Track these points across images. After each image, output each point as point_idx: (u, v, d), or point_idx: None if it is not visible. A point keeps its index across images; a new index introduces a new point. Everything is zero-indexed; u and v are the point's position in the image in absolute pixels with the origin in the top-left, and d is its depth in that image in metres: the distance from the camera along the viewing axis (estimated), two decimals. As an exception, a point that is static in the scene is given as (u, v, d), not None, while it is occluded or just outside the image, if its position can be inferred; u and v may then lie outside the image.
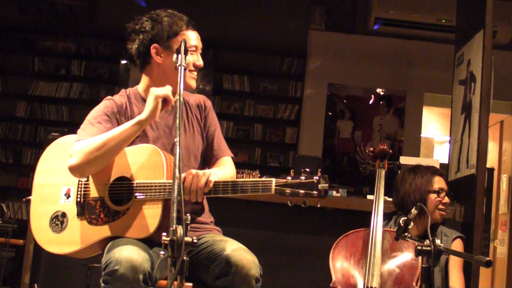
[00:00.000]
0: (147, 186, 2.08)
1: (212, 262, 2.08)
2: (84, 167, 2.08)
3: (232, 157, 2.40)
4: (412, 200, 2.79)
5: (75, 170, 2.09)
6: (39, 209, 2.20)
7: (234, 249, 2.06)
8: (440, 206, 2.77)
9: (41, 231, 2.18)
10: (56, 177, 2.21)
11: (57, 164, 2.23)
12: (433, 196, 2.77)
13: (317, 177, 2.00)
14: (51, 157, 2.26)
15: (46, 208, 2.19)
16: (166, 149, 2.18)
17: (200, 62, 2.27)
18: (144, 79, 2.31)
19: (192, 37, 2.25)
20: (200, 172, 2.05)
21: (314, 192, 1.99)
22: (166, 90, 2.10)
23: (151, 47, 2.22)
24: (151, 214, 2.07)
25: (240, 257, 2.03)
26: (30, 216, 2.21)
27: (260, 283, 2.04)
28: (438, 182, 2.80)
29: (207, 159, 2.36)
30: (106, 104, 2.25)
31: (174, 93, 2.24)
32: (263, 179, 2.05)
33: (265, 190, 2.03)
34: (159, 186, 2.05)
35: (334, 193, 3.60)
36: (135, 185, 2.10)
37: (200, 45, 2.28)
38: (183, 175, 2.05)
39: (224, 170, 2.27)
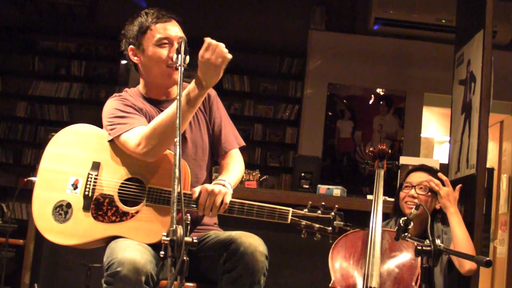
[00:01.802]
0: (160, 193, 2.08)
1: (218, 249, 2.08)
2: (158, 149, 2.05)
3: (242, 146, 2.39)
4: (395, 203, 2.90)
5: (149, 154, 2.05)
6: (43, 194, 2.15)
7: (239, 233, 2.09)
8: (406, 199, 2.79)
9: (42, 217, 2.13)
10: (64, 164, 2.16)
11: (67, 151, 2.18)
12: (402, 191, 2.83)
13: (333, 213, 2.08)
14: (63, 143, 2.21)
15: (50, 195, 2.14)
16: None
17: (173, 54, 2.11)
18: (141, 79, 2.33)
19: (161, 30, 2.18)
20: (216, 189, 2.04)
21: (329, 228, 2.08)
22: (220, 53, 1.99)
23: (128, 49, 2.25)
24: (161, 221, 2.07)
25: (246, 236, 2.06)
26: (32, 199, 2.16)
27: (268, 262, 2.05)
28: (411, 177, 2.84)
29: (216, 152, 2.35)
30: (119, 99, 2.24)
31: (165, 88, 2.27)
32: (280, 207, 2.10)
33: (281, 218, 2.09)
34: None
35: (334, 192, 3.60)
36: (147, 189, 2.10)
37: (175, 35, 2.18)
38: (198, 188, 2.07)
39: (234, 172, 2.25)
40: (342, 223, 2.08)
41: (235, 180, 2.21)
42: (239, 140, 2.39)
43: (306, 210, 2.10)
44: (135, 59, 2.25)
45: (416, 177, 2.82)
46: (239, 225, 2.30)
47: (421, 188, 2.79)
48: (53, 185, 2.15)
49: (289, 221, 2.08)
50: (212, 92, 2.35)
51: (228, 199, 2.06)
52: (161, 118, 2.05)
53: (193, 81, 2.04)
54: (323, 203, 2.12)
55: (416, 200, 2.75)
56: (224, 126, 2.36)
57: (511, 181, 6.47)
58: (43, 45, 6.86)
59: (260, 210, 2.09)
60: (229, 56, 1.99)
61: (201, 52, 2.00)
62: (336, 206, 2.12)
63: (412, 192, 2.78)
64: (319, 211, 2.09)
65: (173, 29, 2.20)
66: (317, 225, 2.07)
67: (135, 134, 2.08)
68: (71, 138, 2.21)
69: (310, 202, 2.13)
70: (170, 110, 2.05)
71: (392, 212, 2.91)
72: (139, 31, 2.21)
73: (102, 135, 2.19)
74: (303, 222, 2.08)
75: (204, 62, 1.99)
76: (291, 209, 2.09)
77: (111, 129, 2.15)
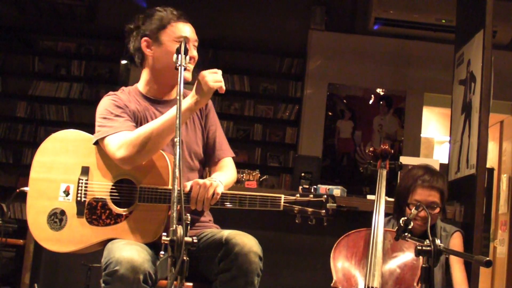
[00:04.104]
0: (152, 192, 2.08)
1: (214, 249, 2.08)
2: (137, 157, 2.05)
3: (233, 157, 2.40)
4: (396, 202, 2.80)
5: (127, 161, 2.05)
6: (36, 204, 2.16)
7: (234, 232, 2.09)
8: (417, 221, 2.64)
9: (38, 227, 2.14)
10: (54, 172, 2.18)
11: (55, 158, 2.19)
12: (410, 208, 2.68)
13: (325, 196, 2.08)
14: (50, 150, 2.22)
15: (43, 204, 2.15)
16: (168, 146, 2.17)
17: (192, 54, 2.22)
18: (143, 75, 2.32)
19: (182, 29, 2.22)
20: (208, 182, 2.05)
21: (322, 211, 2.06)
22: (218, 79, 2.06)
23: (142, 40, 2.24)
24: (155, 220, 2.07)
25: (241, 237, 2.06)
26: (26, 210, 2.17)
27: (262, 262, 2.04)
28: (419, 194, 2.67)
29: (208, 160, 2.36)
30: (113, 99, 2.23)
31: (169, 87, 2.28)
32: (272, 194, 2.10)
33: (273, 206, 2.08)
34: (164, 192, 2.06)
35: (334, 192, 3.60)
36: (139, 189, 2.10)
37: (193, 37, 2.25)
38: (190, 183, 2.08)
39: (226, 174, 2.27)
40: (334, 204, 2.07)
41: (227, 181, 2.21)
42: (231, 151, 2.41)
43: (298, 195, 2.09)
44: (148, 50, 2.24)
45: (425, 196, 2.67)
46: (237, 224, 2.30)
47: (432, 208, 2.67)
48: (45, 193, 2.16)
49: (281, 207, 2.08)
50: (210, 101, 2.36)
51: (220, 190, 2.06)
52: (146, 127, 2.07)
53: (189, 94, 2.08)
54: (314, 187, 2.12)
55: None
56: (218, 135, 2.38)
57: (511, 181, 6.47)
58: (43, 45, 6.86)
59: (252, 200, 2.08)
60: (224, 87, 2.07)
61: (204, 72, 2.05)
62: (327, 189, 2.12)
63: (423, 214, 2.60)
64: (311, 195, 2.09)
65: (192, 31, 2.26)
66: (310, 209, 2.07)
67: (117, 139, 2.08)
68: (58, 145, 2.22)
69: (301, 186, 2.13)
70: (158, 121, 2.07)
71: (394, 211, 2.89)
72: (159, 24, 2.22)
73: (88, 139, 2.19)
74: (296, 208, 2.07)
75: (200, 80, 2.05)
76: (283, 196, 2.09)
77: (97, 131, 2.16)
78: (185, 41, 2.01)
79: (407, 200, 2.70)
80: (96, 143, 2.16)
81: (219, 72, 2.08)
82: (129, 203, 2.11)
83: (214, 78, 2.05)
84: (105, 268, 1.94)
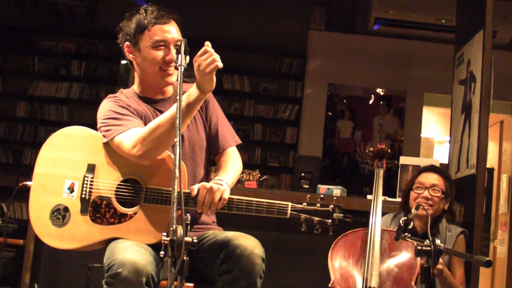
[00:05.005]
0: (158, 193, 2.08)
1: (216, 250, 2.08)
2: (154, 152, 2.05)
3: (238, 144, 2.39)
4: (403, 199, 2.87)
5: (144, 157, 2.05)
6: (39, 199, 2.15)
7: (236, 234, 2.09)
8: (418, 200, 2.75)
9: (40, 222, 2.12)
10: (59, 168, 2.15)
11: (61, 154, 2.17)
12: (414, 191, 2.80)
13: (332, 206, 2.10)
14: (56, 146, 2.19)
15: (46, 199, 2.13)
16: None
17: (170, 57, 2.15)
18: (135, 77, 2.32)
19: (159, 32, 2.17)
20: (215, 186, 2.05)
21: (329, 221, 2.09)
22: (211, 61, 1.96)
23: (124, 45, 2.24)
24: (160, 221, 2.07)
25: (244, 239, 2.05)
26: (29, 204, 2.16)
27: (264, 264, 2.04)
28: (423, 177, 2.81)
29: (213, 151, 2.35)
30: (114, 101, 2.23)
31: (160, 88, 2.26)
32: (279, 202, 2.11)
33: (280, 213, 2.10)
34: (170, 194, 2.04)
35: (334, 192, 3.60)
36: (144, 189, 2.09)
37: (173, 38, 2.17)
38: (197, 186, 2.07)
39: (232, 171, 2.26)
40: (341, 215, 2.09)
41: (233, 179, 2.21)
42: (235, 138, 2.40)
43: (305, 203, 2.11)
44: (130, 56, 2.24)
45: (429, 178, 2.80)
46: (238, 224, 2.30)
47: (434, 190, 2.77)
48: (49, 189, 2.14)
49: (288, 215, 2.09)
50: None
51: (227, 195, 2.06)
52: (158, 121, 2.05)
53: (194, 85, 2.05)
54: (322, 196, 2.13)
55: (430, 202, 2.74)
56: (220, 124, 2.36)
57: (511, 181, 6.47)
58: (43, 45, 6.85)
59: (259, 206, 2.09)
60: (220, 64, 1.98)
61: (195, 57, 2.00)
62: (335, 198, 2.13)
63: (426, 193, 2.76)
64: (318, 204, 2.11)
65: (171, 31, 2.19)
66: (317, 218, 2.09)
67: (130, 136, 2.07)
68: (65, 141, 2.20)
69: (309, 196, 2.14)
70: (168, 113, 2.05)
71: (400, 210, 2.90)
72: (137, 29, 2.19)
73: (95, 137, 2.18)
74: (303, 216, 2.09)
75: (196, 68, 2.00)
76: (290, 204, 2.10)
77: (106, 131, 2.14)
78: (185, 41, 1.99)
79: (410, 185, 2.82)
80: (105, 142, 2.14)
81: (208, 50, 1.98)
82: (134, 203, 2.11)
83: (205, 64, 1.96)
84: (107, 269, 1.93)
